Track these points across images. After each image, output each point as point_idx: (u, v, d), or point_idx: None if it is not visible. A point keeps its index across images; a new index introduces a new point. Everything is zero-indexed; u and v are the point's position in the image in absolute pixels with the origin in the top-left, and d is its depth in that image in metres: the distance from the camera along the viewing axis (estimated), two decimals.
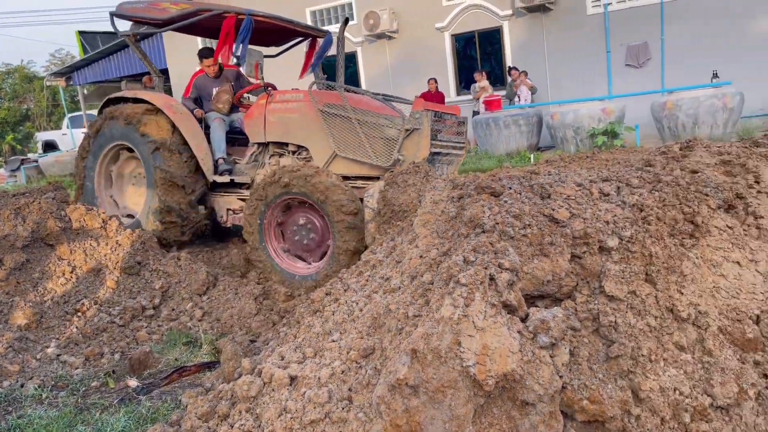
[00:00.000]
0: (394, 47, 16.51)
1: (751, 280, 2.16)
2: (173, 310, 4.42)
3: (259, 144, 5.92)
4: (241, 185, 6.00)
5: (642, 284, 2.07)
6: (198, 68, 6.76)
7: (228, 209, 6.00)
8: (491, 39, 15.53)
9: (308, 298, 2.95)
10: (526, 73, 13.79)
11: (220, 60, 6.35)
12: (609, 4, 13.73)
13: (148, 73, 7.07)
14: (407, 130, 5.08)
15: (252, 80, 7.01)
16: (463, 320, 1.86)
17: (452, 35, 15.80)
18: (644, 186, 2.42)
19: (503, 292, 1.97)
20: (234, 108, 6.56)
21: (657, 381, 1.93)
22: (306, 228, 5.16)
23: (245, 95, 6.31)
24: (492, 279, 1.97)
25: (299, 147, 5.74)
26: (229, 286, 4.66)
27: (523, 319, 2.01)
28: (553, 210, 2.21)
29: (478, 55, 15.86)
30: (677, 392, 1.91)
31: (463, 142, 5.62)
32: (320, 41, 6.74)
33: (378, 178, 5.12)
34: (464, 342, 1.84)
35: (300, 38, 6.83)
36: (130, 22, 6.86)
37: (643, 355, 1.95)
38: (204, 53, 6.57)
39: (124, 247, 4.83)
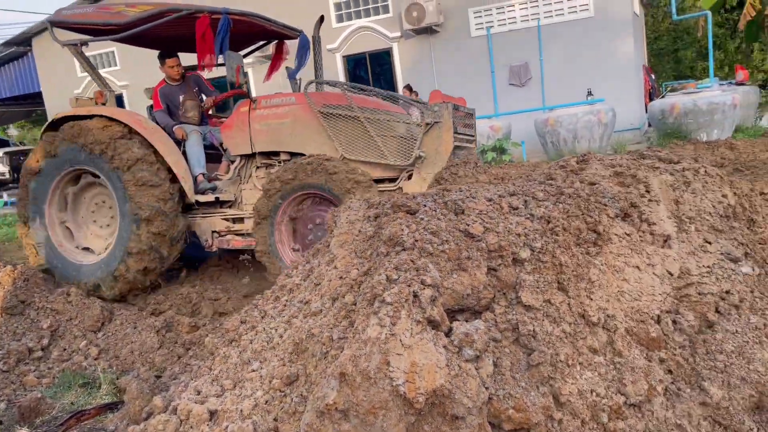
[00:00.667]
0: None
1: (650, 282, 2.32)
2: (65, 350, 4.09)
3: (243, 156, 5.40)
4: (223, 204, 5.45)
5: (555, 292, 2.16)
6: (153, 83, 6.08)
7: (213, 231, 5.42)
8: (381, 60, 15.86)
9: (221, 327, 2.83)
10: (417, 93, 14.19)
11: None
12: (491, 27, 14.44)
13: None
14: (427, 124, 4.78)
15: (209, 88, 6.36)
16: (391, 339, 1.85)
17: (343, 56, 15.98)
18: (549, 199, 2.54)
19: (427, 308, 1.99)
20: (203, 116, 6.00)
21: (575, 384, 2.01)
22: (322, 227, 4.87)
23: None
24: (416, 296, 1.98)
25: (293, 155, 5.22)
26: (127, 320, 4.39)
27: (447, 334, 2.04)
28: (468, 225, 2.27)
29: (370, 75, 16.13)
30: (594, 394, 2.01)
31: (473, 135, 5.36)
32: (287, 44, 6.27)
33: (394, 180, 4.92)
34: (393, 361, 1.83)
35: (266, 41, 6.32)
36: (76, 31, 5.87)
37: (561, 361, 2.03)
38: (164, 54, 5.88)
39: (5, 285, 4.43)
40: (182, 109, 5.86)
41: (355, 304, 2.14)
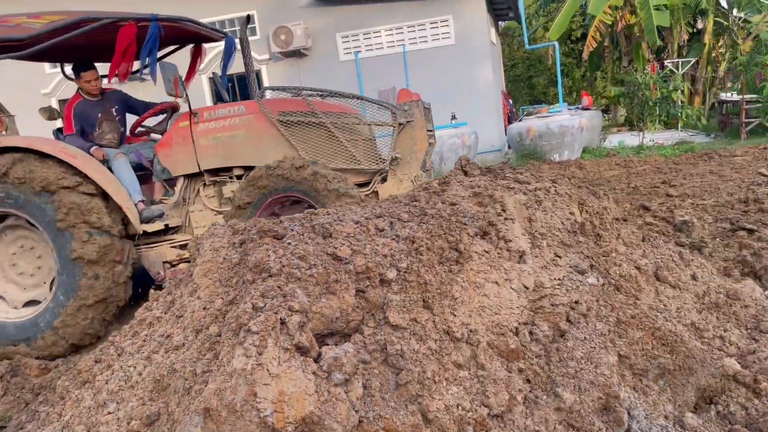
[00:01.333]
0: (147, 89, 15.73)
1: (508, 297, 2.45)
2: None
3: (186, 176, 4.91)
4: (167, 231, 4.88)
5: (421, 311, 2.22)
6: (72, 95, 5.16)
7: (164, 262, 4.85)
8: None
9: (74, 368, 2.61)
10: None
11: (108, 79, 4.89)
12: (359, 51, 14.75)
13: None
14: (400, 124, 4.64)
15: (144, 100, 5.69)
16: (258, 369, 1.80)
17: (209, 77, 15.58)
18: (413, 219, 2.61)
19: (295, 334, 1.96)
20: (122, 138, 5.31)
21: (442, 400, 2.06)
22: None
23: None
24: (283, 323, 1.95)
25: (247, 169, 4.78)
26: None
27: (316, 359, 2.02)
28: (336, 248, 2.28)
29: (238, 96, 15.86)
30: (460, 408, 2.07)
31: (432, 131, 5.19)
32: (205, 48, 5.65)
33: (366, 184, 4.65)
34: (260, 391, 1.78)
35: (183, 45, 5.68)
36: None
37: (428, 378, 2.07)
38: (83, 66, 5.09)
39: None
40: (98, 131, 5.20)
41: (219, 335, 2.07)
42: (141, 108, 5.58)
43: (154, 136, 5.66)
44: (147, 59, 4.49)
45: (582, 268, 2.72)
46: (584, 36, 17.58)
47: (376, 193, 4.75)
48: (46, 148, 4.41)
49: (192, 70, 5.76)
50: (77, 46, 4.87)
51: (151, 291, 3.02)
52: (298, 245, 2.25)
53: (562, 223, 2.89)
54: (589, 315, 2.52)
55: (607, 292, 2.69)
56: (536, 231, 2.79)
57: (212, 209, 4.95)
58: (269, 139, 4.73)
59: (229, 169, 4.94)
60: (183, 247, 4.90)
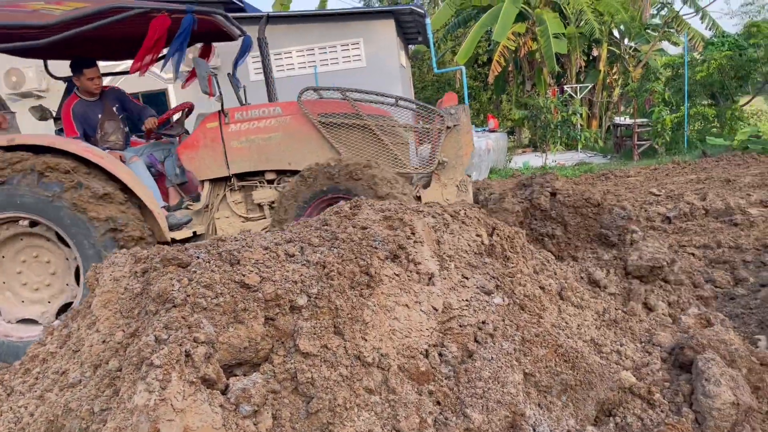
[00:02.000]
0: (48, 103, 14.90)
1: (418, 319, 2.48)
2: None
3: (212, 180, 4.60)
4: (191, 239, 4.53)
5: (332, 337, 2.21)
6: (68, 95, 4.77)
7: None
8: (157, 100, 15.19)
9: None
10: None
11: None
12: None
13: None
14: (448, 128, 4.52)
15: (134, 103, 5.26)
16: (161, 404, 1.73)
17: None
18: (324, 244, 2.61)
19: (201, 366, 1.90)
20: (127, 140, 4.90)
21: (353, 427, 2.05)
22: None
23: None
24: (188, 355, 1.88)
25: (280, 173, 4.59)
26: None
27: (224, 391, 1.96)
28: (244, 276, 2.23)
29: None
30: None
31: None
32: (215, 47, 5.31)
33: None
34: (164, 428, 1.71)
35: (201, 41, 5.23)
36: None
37: (339, 405, 2.06)
38: (83, 62, 4.68)
39: None
40: (100, 132, 4.81)
41: (120, 370, 1.97)
42: (136, 111, 5.21)
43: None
44: (175, 54, 4.16)
45: (488, 288, 2.80)
46: (490, 60, 18.29)
47: (418, 198, 4.65)
48: (71, 148, 4.04)
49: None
50: (87, 38, 4.37)
51: (44, 325, 2.83)
52: (204, 273, 2.19)
53: (469, 245, 2.97)
54: (495, 335, 2.59)
55: (513, 312, 2.78)
56: (444, 253, 2.85)
57: (240, 215, 4.74)
58: (309, 141, 4.55)
59: (258, 174, 4.70)
60: None
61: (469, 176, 5.14)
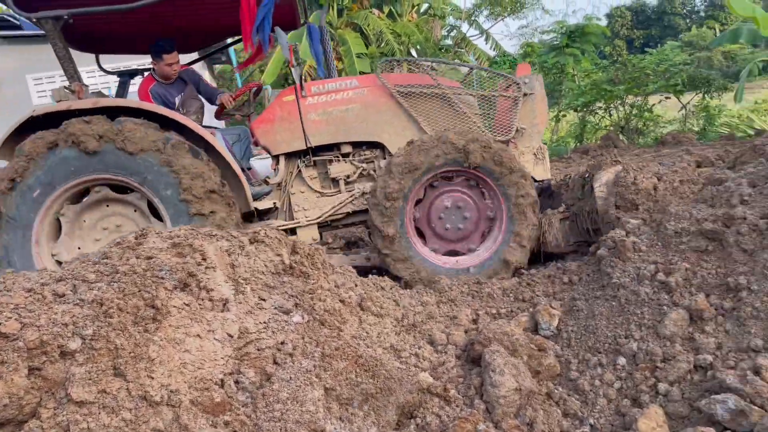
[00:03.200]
0: None
1: (211, 348, 2.38)
2: None
3: (287, 155, 4.63)
4: (262, 214, 4.64)
5: (111, 380, 2.03)
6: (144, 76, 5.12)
7: None
8: None
9: None
10: None
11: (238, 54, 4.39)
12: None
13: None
14: (525, 94, 4.59)
15: (208, 85, 5.44)
16: None
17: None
18: (102, 279, 2.40)
19: None
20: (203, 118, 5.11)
21: None
22: (454, 210, 4.28)
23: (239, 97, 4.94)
24: None
25: (356, 146, 4.68)
26: None
27: None
28: (0, 324, 1.98)
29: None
30: None
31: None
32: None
33: None
34: None
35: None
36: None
37: None
38: (164, 46, 4.88)
39: None
40: (183, 109, 4.94)
41: None
42: (207, 93, 5.40)
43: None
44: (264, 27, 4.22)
45: (287, 308, 2.78)
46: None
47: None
48: (162, 111, 4.19)
49: (258, 53, 5.15)
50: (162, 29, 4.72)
51: None
52: None
53: (266, 265, 2.93)
54: (295, 354, 2.57)
55: (313, 328, 2.79)
56: (240, 276, 2.78)
57: (316, 191, 4.76)
58: (388, 112, 4.60)
59: (332, 148, 4.74)
60: (287, 233, 4.53)
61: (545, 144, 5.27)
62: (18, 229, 4.04)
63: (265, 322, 2.63)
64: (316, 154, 4.81)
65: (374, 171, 4.85)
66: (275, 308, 2.74)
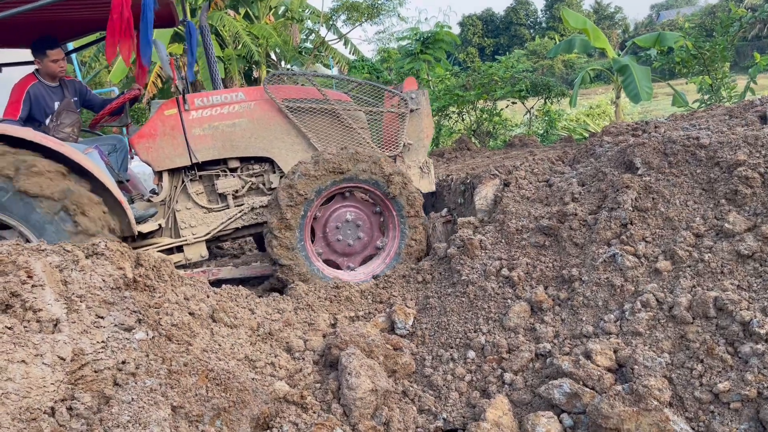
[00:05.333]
0: None
1: (39, 374, 2.17)
2: None
3: (170, 171, 4.45)
4: (146, 235, 4.38)
5: None
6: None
7: None
8: None
9: None
10: None
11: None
12: None
13: None
14: (411, 110, 4.71)
15: (96, 97, 5.04)
16: None
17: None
18: None
19: None
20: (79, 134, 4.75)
21: None
22: (353, 226, 4.40)
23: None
24: None
25: (245, 161, 4.58)
26: None
27: None
28: None
29: None
30: None
31: None
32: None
33: None
34: None
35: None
36: None
37: None
38: (46, 43, 4.42)
39: None
40: (56, 121, 4.51)
41: None
42: (98, 103, 5.01)
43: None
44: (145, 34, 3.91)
45: (129, 324, 2.60)
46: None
47: None
48: (29, 136, 3.73)
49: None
50: (34, 21, 4.33)
51: None
52: None
53: (104, 280, 2.72)
54: (138, 373, 2.41)
55: (159, 344, 2.63)
56: (73, 294, 2.56)
57: (202, 206, 4.58)
58: (277, 128, 4.53)
59: (218, 163, 4.56)
60: (168, 251, 4.43)
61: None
62: None
63: (103, 342, 2.44)
64: (202, 168, 4.59)
65: (263, 185, 4.73)
66: (115, 326, 2.55)
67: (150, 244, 4.43)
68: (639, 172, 3.67)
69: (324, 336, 3.52)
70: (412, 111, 4.78)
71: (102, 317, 2.55)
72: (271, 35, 17.24)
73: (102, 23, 3.91)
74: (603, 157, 4.13)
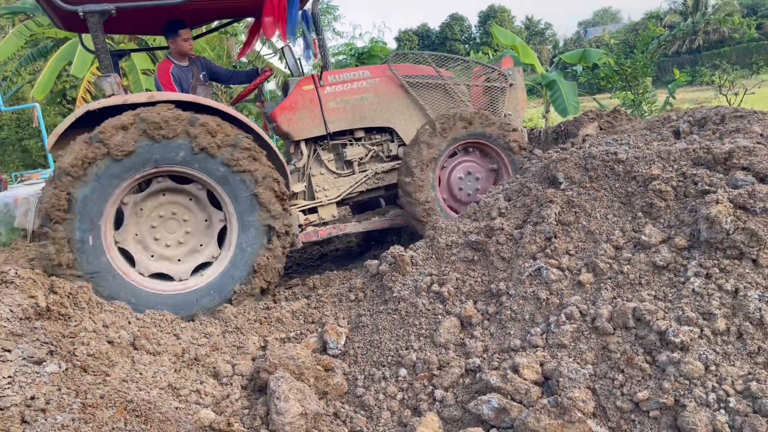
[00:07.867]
0: None
1: None
2: None
3: (307, 140, 5.03)
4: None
5: None
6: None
7: (299, 225, 4.86)
8: None
9: None
10: None
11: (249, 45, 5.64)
12: None
13: None
14: (511, 85, 5.26)
15: (222, 69, 5.68)
16: None
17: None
18: None
19: None
20: None
21: None
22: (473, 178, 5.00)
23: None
24: None
25: (368, 132, 5.21)
26: None
27: None
28: None
29: None
30: None
31: None
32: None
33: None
34: None
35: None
36: None
37: None
38: (178, 23, 4.91)
39: None
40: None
41: None
42: (224, 75, 5.63)
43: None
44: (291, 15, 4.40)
45: (39, 357, 2.46)
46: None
47: None
48: (220, 107, 4.27)
49: (252, 39, 5.81)
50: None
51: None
52: None
53: (12, 310, 2.58)
54: (49, 408, 2.28)
55: (72, 377, 2.50)
56: None
57: (333, 172, 5.19)
58: (398, 101, 5.11)
59: (345, 133, 5.14)
60: (309, 211, 5.02)
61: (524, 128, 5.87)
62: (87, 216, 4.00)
63: (10, 377, 2.30)
64: (332, 138, 5.23)
65: (383, 153, 5.37)
66: (24, 359, 2.41)
67: (295, 204, 5.02)
68: (562, 186, 3.77)
69: (253, 359, 3.44)
70: (510, 86, 5.41)
71: (9, 351, 2.40)
72: (204, 49, 16.97)
73: (220, 12, 5.07)
74: (528, 173, 4.23)
